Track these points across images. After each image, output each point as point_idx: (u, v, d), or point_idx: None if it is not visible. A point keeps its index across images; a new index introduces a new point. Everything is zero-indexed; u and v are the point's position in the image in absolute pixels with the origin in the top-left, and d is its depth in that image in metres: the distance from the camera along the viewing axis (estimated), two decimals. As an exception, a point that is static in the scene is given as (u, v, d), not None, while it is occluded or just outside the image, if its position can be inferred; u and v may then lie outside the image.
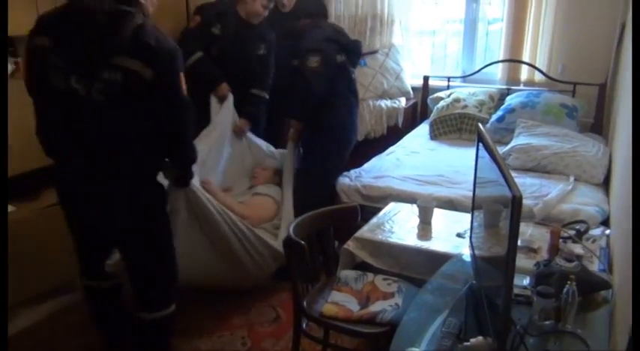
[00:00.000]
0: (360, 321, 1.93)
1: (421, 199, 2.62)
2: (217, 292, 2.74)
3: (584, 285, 1.64)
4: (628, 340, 1.23)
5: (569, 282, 1.56)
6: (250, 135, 3.20)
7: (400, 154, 3.52)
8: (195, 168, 2.15)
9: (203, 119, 2.92)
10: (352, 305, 2.01)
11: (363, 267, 2.28)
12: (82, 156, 1.82)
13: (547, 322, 1.55)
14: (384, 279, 2.15)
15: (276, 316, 2.66)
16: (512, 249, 1.29)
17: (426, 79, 4.34)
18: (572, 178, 2.93)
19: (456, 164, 3.23)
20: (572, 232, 2.14)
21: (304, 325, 2.08)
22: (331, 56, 2.95)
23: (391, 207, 2.62)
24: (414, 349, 1.51)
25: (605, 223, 2.47)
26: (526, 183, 2.85)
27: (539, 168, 3.09)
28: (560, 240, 2.05)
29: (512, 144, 3.29)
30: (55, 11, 1.81)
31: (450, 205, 2.70)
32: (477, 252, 1.81)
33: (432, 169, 3.19)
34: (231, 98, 3.05)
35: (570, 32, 3.76)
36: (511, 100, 3.77)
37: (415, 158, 3.44)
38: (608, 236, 2.19)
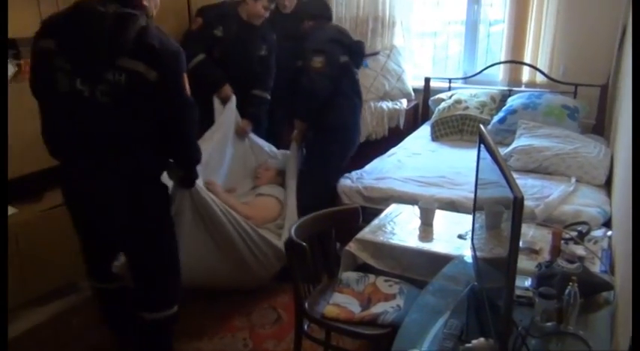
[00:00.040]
0: (361, 322, 1.93)
1: (422, 200, 2.61)
2: (219, 293, 2.74)
3: (586, 286, 1.64)
4: (630, 341, 1.22)
5: (570, 283, 1.56)
6: (252, 136, 3.21)
7: (401, 156, 3.52)
8: (199, 169, 2.16)
9: (206, 120, 2.92)
10: (354, 307, 2.01)
11: (364, 268, 2.28)
12: (87, 156, 1.84)
13: (549, 324, 1.55)
14: (386, 280, 2.15)
15: (278, 317, 2.66)
16: (514, 250, 1.29)
17: (427, 80, 4.34)
18: (573, 180, 2.93)
19: (457, 166, 3.23)
20: (573, 234, 2.14)
21: (306, 327, 2.08)
22: (335, 57, 2.96)
23: (392, 208, 2.62)
24: (415, 350, 1.51)
25: (607, 224, 2.47)
26: (527, 184, 2.85)
27: (541, 169, 3.09)
28: (562, 241, 2.05)
29: (513, 145, 3.28)
30: (60, 14, 1.83)
31: (452, 206, 2.70)
32: (478, 253, 1.82)
33: (434, 170, 3.19)
34: (234, 100, 3.05)
35: (572, 33, 3.76)
36: (512, 102, 3.77)
37: (416, 160, 3.45)
38: (610, 237, 2.19)
